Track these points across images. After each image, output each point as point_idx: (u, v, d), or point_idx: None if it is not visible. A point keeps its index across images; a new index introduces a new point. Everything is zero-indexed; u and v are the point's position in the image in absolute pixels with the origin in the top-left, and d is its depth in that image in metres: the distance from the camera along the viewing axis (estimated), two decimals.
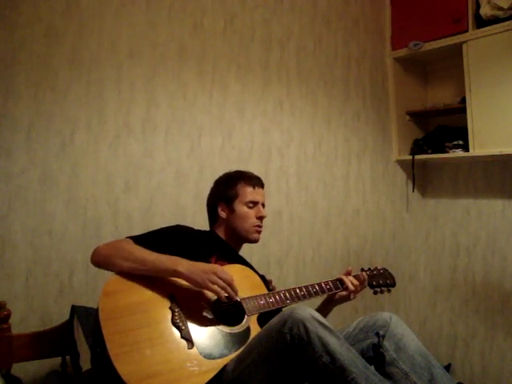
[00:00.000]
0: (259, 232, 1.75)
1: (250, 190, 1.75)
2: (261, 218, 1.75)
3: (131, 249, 1.48)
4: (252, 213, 1.73)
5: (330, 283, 1.69)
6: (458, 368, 2.92)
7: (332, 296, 1.72)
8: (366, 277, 1.76)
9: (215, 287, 1.43)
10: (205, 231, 1.80)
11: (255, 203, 1.74)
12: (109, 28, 2.01)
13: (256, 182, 1.78)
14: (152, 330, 1.37)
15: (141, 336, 1.34)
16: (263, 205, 1.78)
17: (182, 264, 1.44)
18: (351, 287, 1.69)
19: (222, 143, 2.32)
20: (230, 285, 1.44)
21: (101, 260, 1.50)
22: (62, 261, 1.90)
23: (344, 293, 1.70)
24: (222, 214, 1.75)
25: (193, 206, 2.17)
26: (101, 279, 1.72)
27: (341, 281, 1.71)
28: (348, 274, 1.74)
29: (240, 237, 1.75)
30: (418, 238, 3.13)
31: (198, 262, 1.47)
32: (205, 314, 1.46)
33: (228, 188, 1.75)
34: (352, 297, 1.71)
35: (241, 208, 1.73)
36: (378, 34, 2.97)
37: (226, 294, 1.44)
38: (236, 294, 1.47)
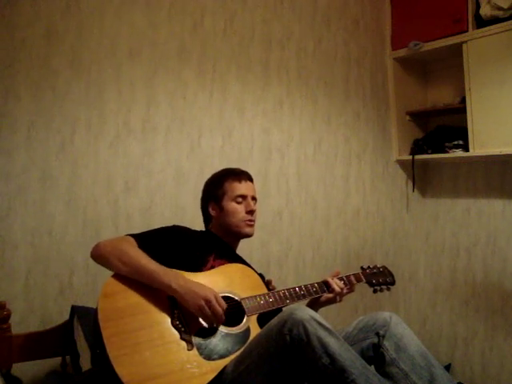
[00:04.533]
0: (251, 226, 1.74)
1: (236, 185, 1.75)
2: (250, 212, 1.74)
3: (131, 253, 1.46)
4: (241, 207, 1.73)
5: (316, 285, 1.68)
6: (458, 368, 2.92)
7: (317, 298, 1.70)
8: (355, 281, 1.75)
9: (202, 315, 1.41)
10: (202, 231, 1.80)
11: (244, 197, 1.74)
12: (109, 28, 2.01)
13: (243, 176, 1.77)
14: (152, 331, 1.37)
15: (140, 337, 1.34)
16: (254, 198, 1.78)
17: (178, 281, 1.42)
18: (337, 289, 1.68)
19: (222, 143, 2.32)
20: (219, 318, 1.41)
21: (100, 257, 1.50)
22: (61, 261, 1.90)
23: (330, 295, 1.69)
24: (213, 213, 1.76)
25: (193, 206, 2.17)
26: (101, 279, 1.71)
27: (326, 283, 1.70)
28: (335, 275, 1.73)
29: (233, 233, 1.75)
30: (418, 238, 3.13)
31: (194, 283, 1.44)
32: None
33: (216, 187, 1.76)
34: (338, 299, 1.71)
35: (229, 204, 1.73)
36: (378, 34, 2.96)
37: (210, 324, 1.43)
38: (220, 324, 1.44)
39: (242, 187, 1.75)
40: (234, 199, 1.73)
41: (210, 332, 1.43)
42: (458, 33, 2.61)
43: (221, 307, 1.41)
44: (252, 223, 1.75)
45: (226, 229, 1.75)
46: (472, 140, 2.61)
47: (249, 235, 1.76)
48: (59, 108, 1.90)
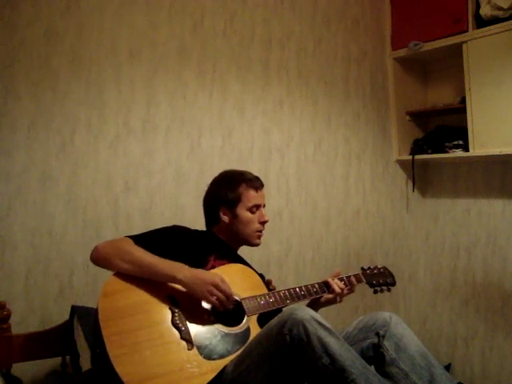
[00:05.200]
0: (260, 237, 1.75)
1: (253, 193, 1.72)
2: (263, 223, 1.74)
3: (131, 250, 1.47)
4: (255, 217, 1.71)
5: (317, 286, 1.68)
6: (458, 368, 2.92)
7: (318, 299, 1.70)
8: (355, 282, 1.74)
9: (213, 299, 1.43)
10: (202, 231, 1.79)
11: (258, 207, 1.73)
12: (109, 28, 2.01)
13: (258, 183, 1.75)
14: (152, 330, 1.37)
15: (140, 337, 1.34)
16: (264, 206, 1.78)
17: (182, 271, 1.43)
18: (337, 290, 1.67)
19: (222, 143, 2.32)
20: (229, 298, 1.45)
21: (100, 259, 1.50)
22: (61, 261, 1.90)
23: (330, 296, 1.69)
24: (225, 219, 1.72)
25: (193, 206, 2.17)
26: (101, 279, 1.71)
27: (326, 283, 1.69)
28: (335, 276, 1.73)
29: (242, 241, 1.75)
30: (418, 238, 3.13)
31: (198, 271, 1.46)
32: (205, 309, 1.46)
33: (230, 191, 1.71)
34: (338, 300, 1.70)
35: (244, 213, 1.70)
36: (377, 34, 2.96)
37: (223, 308, 1.45)
38: (232, 304, 1.47)
39: (257, 197, 1.73)
40: (250, 209, 1.71)
41: (210, 332, 1.43)
42: (458, 33, 2.61)
43: (228, 287, 1.44)
44: (262, 234, 1.75)
45: (235, 236, 1.73)
46: (472, 140, 2.61)
47: (257, 245, 1.76)
48: (59, 108, 1.90)
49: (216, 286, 1.42)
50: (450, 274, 2.98)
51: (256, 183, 1.75)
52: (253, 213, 1.71)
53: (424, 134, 3.04)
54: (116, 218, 2.02)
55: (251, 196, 1.71)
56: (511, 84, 2.46)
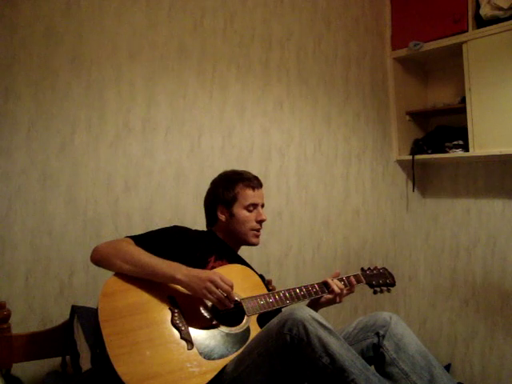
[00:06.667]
0: (258, 236, 1.75)
1: (250, 192, 1.72)
2: (260, 222, 1.74)
3: (131, 251, 1.47)
4: (252, 216, 1.72)
5: (317, 286, 1.68)
6: (458, 368, 2.92)
7: (317, 299, 1.70)
8: (355, 282, 1.74)
9: (212, 297, 1.42)
10: (203, 231, 1.79)
11: (255, 206, 1.73)
12: (109, 28, 2.01)
13: (255, 183, 1.76)
14: (152, 330, 1.37)
15: (140, 337, 1.34)
16: (262, 205, 1.78)
17: (181, 271, 1.43)
18: (337, 290, 1.67)
19: (222, 143, 2.32)
20: (228, 294, 1.43)
21: (100, 259, 1.50)
22: (62, 261, 1.90)
23: (330, 296, 1.69)
24: (222, 217, 1.73)
25: (193, 206, 2.17)
26: (101, 279, 1.72)
27: (326, 284, 1.69)
28: (335, 276, 1.73)
29: (239, 240, 1.75)
30: (418, 238, 3.13)
31: (196, 269, 1.45)
32: (205, 314, 1.46)
33: (227, 190, 1.73)
34: (338, 300, 1.70)
35: (240, 212, 1.71)
36: (377, 34, 2.97)
37: (223, 306, 1.43)
38: (232, 303, 1.45)
39: (254, 195, 1.73)
40: (246, 207, 1.71)
41: (210, 332, 1.43)
42: (457, 33, 2.61)
43: (228, 285, 1.42)
44: (259, 233, 1.75)
45: (232, 234, 1.74)
46: (472, 140, 2.61)
47: (255, 245, 1.76)
48: (59, 108, 1.90)
49: (214, 282, 1.41)
50: (450, 274, 2.98)
51: (253, 182, 1.75)
52: (249, 211, 1.72)
53: (424, 134, 3.04)
54: (116, 218, 2.02)
55: (248, 195, 1.72)
56: (511, 84, 2.46)
